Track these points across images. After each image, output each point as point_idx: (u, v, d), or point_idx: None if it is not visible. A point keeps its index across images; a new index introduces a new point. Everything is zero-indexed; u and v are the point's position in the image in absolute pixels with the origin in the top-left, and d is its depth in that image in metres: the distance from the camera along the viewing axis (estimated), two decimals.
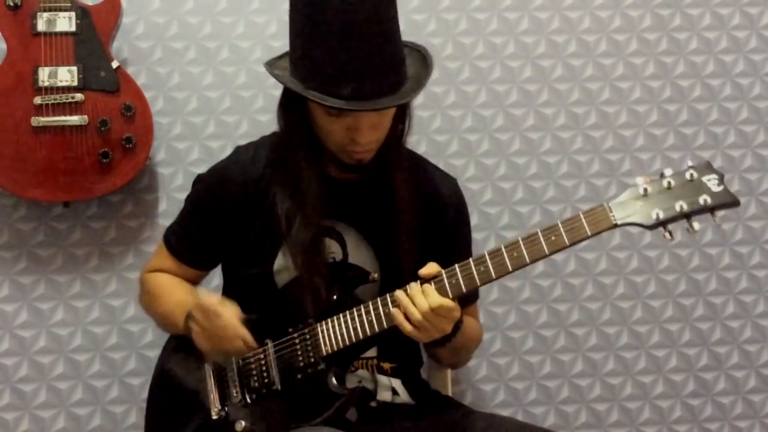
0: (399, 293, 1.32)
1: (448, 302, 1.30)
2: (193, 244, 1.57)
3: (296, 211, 1.44)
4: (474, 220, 1.98)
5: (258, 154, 1.54)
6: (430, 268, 1.33)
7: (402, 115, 1.46)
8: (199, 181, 1.60)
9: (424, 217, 1.52)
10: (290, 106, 1.44)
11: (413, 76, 1.40)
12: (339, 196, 1.48)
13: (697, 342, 2.07)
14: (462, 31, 2.02)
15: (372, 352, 1.50)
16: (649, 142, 2.06)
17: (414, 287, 1.32)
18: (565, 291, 2.04)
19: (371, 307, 1.37)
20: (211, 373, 1.46)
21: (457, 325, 1.38)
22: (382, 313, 1.36)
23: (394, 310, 1.32)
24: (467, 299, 1.56)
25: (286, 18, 1.95)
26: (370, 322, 1.36)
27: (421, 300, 1.30)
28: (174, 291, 1.56)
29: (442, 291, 1.32)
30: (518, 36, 2.04)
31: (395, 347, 1.53)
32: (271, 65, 1.44)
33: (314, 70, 1.34)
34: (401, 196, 1.48)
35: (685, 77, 2.07)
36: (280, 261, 1.49)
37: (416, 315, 1.30)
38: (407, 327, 1.31)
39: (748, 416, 2.07)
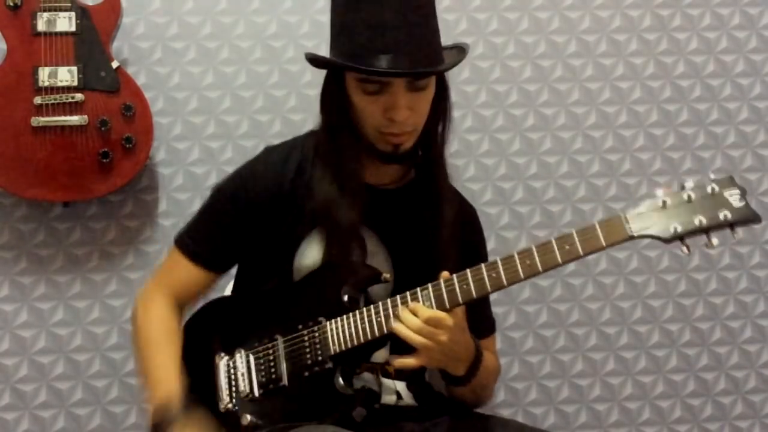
0: (395, 325, 1.32)
1: (437, 313, 1.29)
2: (214, 244, 1.54)
3: (339, 194, 1.44)
4: None
5: (291, 157, 1.52)
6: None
7: (442, 110, 1.47)
8: (226, 183, 1.56)
9: (459, 235, 1.52)
10: (331, 92, 1.45)
11: (450, 62, 1.44)
12: (369, 202, 1.47)
13: (697, 342, 2.07)
14: (462, 31, 2.02)
15: (383, 357, 1.50)
16: (649, 142, 2.06)
17: (402, 311, 1.32)
18: (565, 291, 2.04)
19: (381, 308, 1.36)
20: (221, 366, 1.46)
21: (477, 361, 1.39)
22: (391, 314, 1.35)
23: (396, 360, 1.34)
24: (482, 330, 1.56)
25: (287, 18, 1.98)
26: (380, 323, 1.35)
27: (411, 319, 1.30)
28: (162, 348, 1.51)
29: (452, 296, 1.31)
30: (518, 36, 2.04)
31: (404, 352, 1.53)
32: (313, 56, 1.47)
33: (351, 45, 1.36)
34: (446, 207, 1.49)
35: (685, 77, 2.07)
36: (302, 259, 1.48)
37: (414, 337, 1.30)
38: (412, 360, 1.32)
39: (748, 416, 2.07)
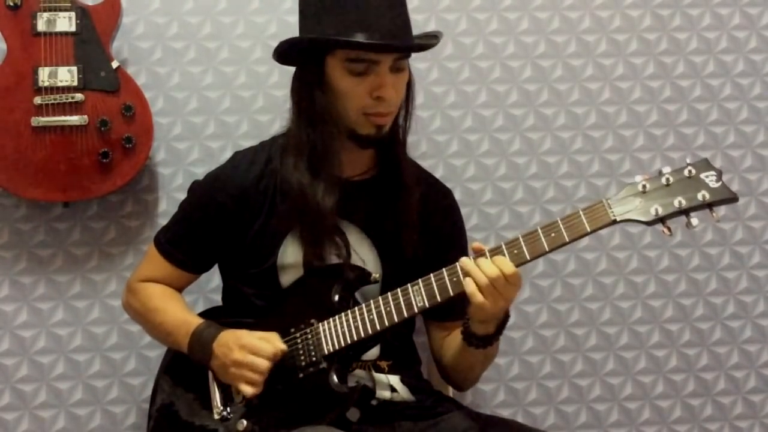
0: (464, 260, 1.32)
1: (517, 270, 1.30)
2: (187, 246, 1.57)
3: (314, 182, 1.45)
4: (474, 220, 1.99)
5: (257, 158, 1.55)
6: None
7: (406, 97, 1.50)
8: (196, 185, 1.61)
9: (426, 219, 1.54)
10: (309, 80, 1.46)
11: (433, 40, 1.52)
12: (345, 194, 1.48)
13: (697, 342, 2.07)
14: (462, 31, 2.02)
15: (373, 356, 1.50)
16: (649, 142, 2.06)
17: (481, 259, 1.31)
18: (565, 291, 2.04)
19: (372, 305, 1.38)
20: (214, 374, 1.46)
21: (505, 320, 1.42)
22: (383, 311, 1.36)
23: (466, 279, 1.31)
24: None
25: (286, 18, 1.98)
26: (372, 321, 1.37)
27: (490, 267, 1.30)
28: (170, 307, 1.55)
29: (442, 289, 1.33)
30: (518, 36, 2.03)
31: (394, 347, 1.54)
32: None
33: (337, 27, 1.38)
34: (410, 194, 1.51)
35: (685, 77, 2.07)
36: (284, 258, 1.49)
37: (485, 281, 1.29)
38: (479, 297, 1.30)
39: (748, 416, 2.07)
